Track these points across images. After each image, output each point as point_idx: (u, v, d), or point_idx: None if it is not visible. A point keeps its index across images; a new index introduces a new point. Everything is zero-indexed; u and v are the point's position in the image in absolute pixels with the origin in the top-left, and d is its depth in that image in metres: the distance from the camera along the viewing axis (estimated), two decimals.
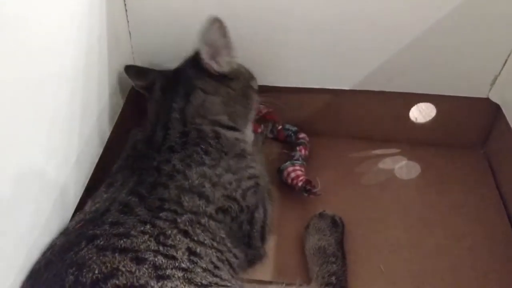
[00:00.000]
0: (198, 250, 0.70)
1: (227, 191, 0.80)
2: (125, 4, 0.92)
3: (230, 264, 0.76)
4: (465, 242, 0.90)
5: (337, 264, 0.83)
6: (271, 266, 0.86)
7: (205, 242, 0.73)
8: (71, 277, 0.60)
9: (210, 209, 0.77)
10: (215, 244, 0.74)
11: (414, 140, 1.08)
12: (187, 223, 0.73)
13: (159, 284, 0.61)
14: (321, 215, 0.91)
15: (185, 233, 0.72)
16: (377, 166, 1.05)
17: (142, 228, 0.69)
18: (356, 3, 0.88)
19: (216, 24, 0.83)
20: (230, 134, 0.86)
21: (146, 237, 0.68)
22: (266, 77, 1.00)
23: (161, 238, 0.69)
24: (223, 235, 0.77)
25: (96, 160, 0.86)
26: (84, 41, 0.77)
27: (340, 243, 0.87)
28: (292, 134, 1.07)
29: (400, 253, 0.88)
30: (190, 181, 0.77)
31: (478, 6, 0.86)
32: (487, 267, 0.86)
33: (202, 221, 0.75)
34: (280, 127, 1.09)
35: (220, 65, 0.87)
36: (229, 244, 0.77)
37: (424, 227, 0.93)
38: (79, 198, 0.79)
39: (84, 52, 0.77)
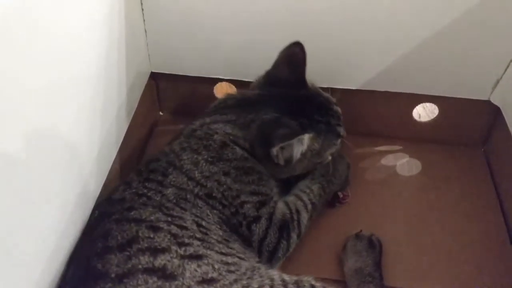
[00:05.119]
0: (203, 223, 0.75)
1: (221, 187, 0.80)
2: (141, 4, 0.95)
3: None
4: (462, 239, 0.93)
5: (374, 283, 0.83)
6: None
7: (203, 217, 0.76)
8: (99, 244, 0.69)
9: (198, 190, 0.78)
10: (213, 221, 0.77)
11: (417, 137, 1.12)
12: (173, 197, 0.77)
13: (182, 249, 0.67)
14: (358, 237, 0.90)
15: (179, 206, 0.76)
16: (380, 162, 1.09)
17: (140, 201, 0.76)
18: (364, 8, 0.91)
19: None
20: (239, 150, 0.84)
21: (150, 209, 0.74)
22: None
23: (165, 210, 0.74)
24: (216, 220, 0.78)
25: (115, 154, 0.89)
26: (104, 44, 0.80)
27: (378, 264, 0.86)
28: None
29: (397, 248, 0.91)
30: (181, 162, 0.81)
31: (482, 12, 0.88)
32: (482, 264, 0.89)
33: (188, 196, 0.78)
34: None
35: None
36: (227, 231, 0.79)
37: (422, 222, 0.97)
38: (99, 191, 0.83)
39: (104, 54, 0.81)
